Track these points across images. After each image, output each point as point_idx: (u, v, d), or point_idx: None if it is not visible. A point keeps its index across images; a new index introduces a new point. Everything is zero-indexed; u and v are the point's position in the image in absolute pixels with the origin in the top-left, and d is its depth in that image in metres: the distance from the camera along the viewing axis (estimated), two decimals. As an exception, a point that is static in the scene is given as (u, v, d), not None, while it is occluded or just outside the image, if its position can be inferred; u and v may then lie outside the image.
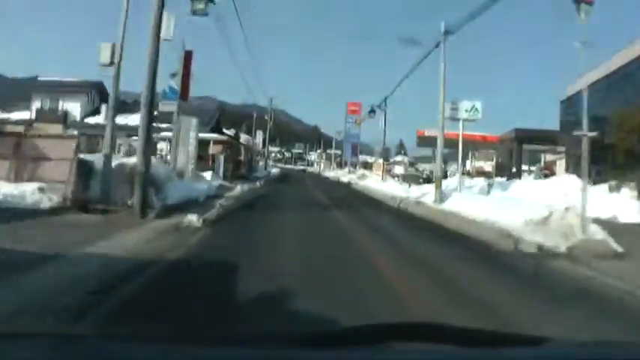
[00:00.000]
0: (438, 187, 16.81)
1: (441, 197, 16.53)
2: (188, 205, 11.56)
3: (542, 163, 46.97)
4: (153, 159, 11.79)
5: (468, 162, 67.88)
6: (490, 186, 17.88)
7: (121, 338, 1.41)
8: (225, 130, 41.70)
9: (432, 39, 17.86)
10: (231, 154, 39.69)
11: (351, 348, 1.29)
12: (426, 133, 50.40)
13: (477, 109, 18.39)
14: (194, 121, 15.64)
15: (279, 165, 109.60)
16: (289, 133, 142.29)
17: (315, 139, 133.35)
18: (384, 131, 31.58)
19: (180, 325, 3.55)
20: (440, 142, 17.50)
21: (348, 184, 33.69)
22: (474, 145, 53.71)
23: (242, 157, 39.91)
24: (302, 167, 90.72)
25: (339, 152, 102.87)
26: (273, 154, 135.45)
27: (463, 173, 48.62)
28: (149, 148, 10.12)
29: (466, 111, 18.33)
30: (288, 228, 10.57)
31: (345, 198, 21.35)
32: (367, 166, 67.86)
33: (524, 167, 76.05)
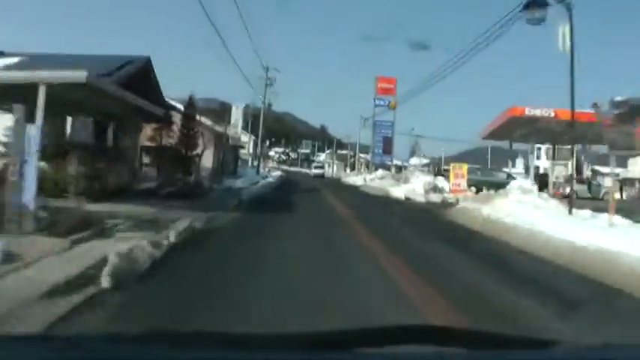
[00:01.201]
0: None
1: None
2: None
3: None
4: None
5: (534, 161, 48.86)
6: None
7: (127, 341, 1.36)
8: (173, 103, 22.42)
9: None
10: (180, 144, 20.46)
11: (360, 351, 1.26)
12: (529, 112, 30.76)
13: None
14: None
15: (284, 167, 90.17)
16: (295, 134, 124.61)
17: (323, 139, 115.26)
18: (572, 72, 11.15)
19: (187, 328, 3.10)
20: None
21: (447, 221, 14.00)
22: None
23: (201, 152, 20.81)
24: (319, 170, 60.24)
25: (351, 152, 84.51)
26: (277, 156, 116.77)
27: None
28: None
29: None
30: None
31: None
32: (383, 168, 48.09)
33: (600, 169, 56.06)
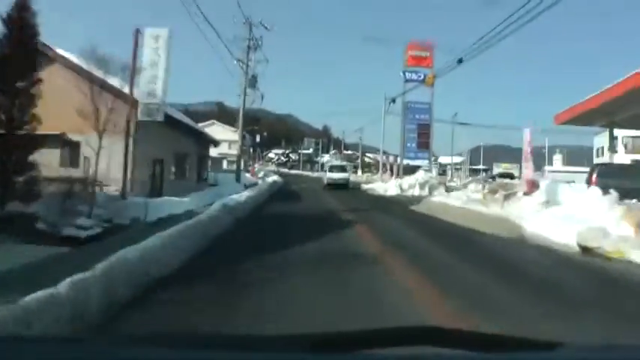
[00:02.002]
0: None
1: None
2: None
3: None
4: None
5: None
6: None
7: (127, 342, 1.35)
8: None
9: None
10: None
11: (364, 352, 1.25)
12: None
13: None
14: None
15: (283, 170, 76.95)
16: (296, 135, 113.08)
17: (327, 139, 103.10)
18: None
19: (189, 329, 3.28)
20: None
21: None
22: None
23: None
24: (340, 175, 31.43)
25: (358, 153, 71.89)
26: (276, 157, 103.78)
27: None
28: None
29: None
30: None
31: None
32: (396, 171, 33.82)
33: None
